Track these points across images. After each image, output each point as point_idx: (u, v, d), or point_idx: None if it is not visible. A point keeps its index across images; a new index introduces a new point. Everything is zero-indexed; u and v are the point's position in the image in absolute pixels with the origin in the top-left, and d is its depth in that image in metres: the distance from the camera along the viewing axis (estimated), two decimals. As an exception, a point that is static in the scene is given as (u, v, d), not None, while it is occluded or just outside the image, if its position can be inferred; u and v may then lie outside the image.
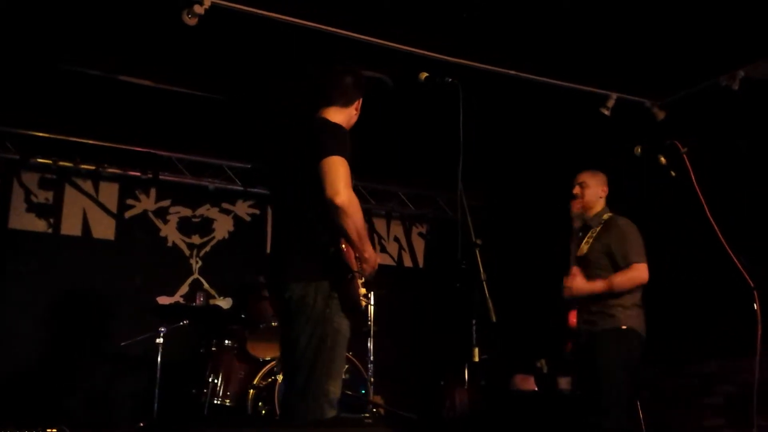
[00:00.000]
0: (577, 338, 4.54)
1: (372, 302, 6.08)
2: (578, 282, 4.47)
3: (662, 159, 3.89)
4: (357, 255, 3.33)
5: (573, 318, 4.50)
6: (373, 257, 3.39)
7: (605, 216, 4.59)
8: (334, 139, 3.32)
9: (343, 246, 3.26)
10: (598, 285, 4.44)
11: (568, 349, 4.61)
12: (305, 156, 3.30)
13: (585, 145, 6.49)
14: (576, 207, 4.69)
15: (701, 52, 5.34)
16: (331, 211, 3.20)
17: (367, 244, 3.35)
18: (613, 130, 6.07)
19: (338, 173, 3.21)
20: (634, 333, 4.40)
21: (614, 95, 5.92)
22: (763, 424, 5.63)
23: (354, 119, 3.66)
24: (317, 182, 3.22)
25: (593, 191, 4.66)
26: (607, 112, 5.94)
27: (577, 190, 4.68)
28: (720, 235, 3.58)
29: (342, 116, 3.55)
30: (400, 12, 4.79)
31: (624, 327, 4.38)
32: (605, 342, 4.37)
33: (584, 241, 4.51)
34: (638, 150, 4.00)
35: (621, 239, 4.47)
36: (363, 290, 3.45)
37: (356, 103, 3.64)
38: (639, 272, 4.41)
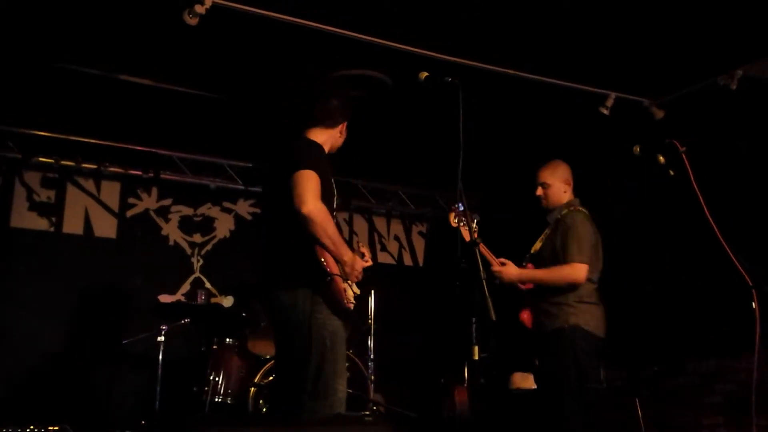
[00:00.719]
0: (531, 338, 4.52)
1: (372, 300, 6.11)
2: (508, 269, 4.38)
3: (661, 158, 3.89)
4: (345, 259, 3.57)
5: (525, 317, 4.46)
6: (352, 260, 3.58)
7: (564, 212, 4.49)
8: (307, 155, 3.58)
9: (319, 252, 3.46)
10: (526, 273, 4.41)
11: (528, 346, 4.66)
12: (284, 171, 3.53)
13: (584, 144, 6.51)
14: (542, 205, 4.62)
15: (699, 52, 5.35)
16: (300, 221, 3.41)
17: (343, 248, 3.55)
18: (612, 130, 6.09)
19: (306, 185, 3.44)
20: (581, 330, 4.25)
21: (613, 94, 5.93)
22: (762, 423, 5.66)
23: (339, 141, 3.91)
24: (291, 195, 3.46)
25: (556, 189, 4.57)
26: (606, 112, 5.95)
27: (539, 191, 4.61)
28: (719, 234, 3.59)
29: (325, 137, 3.80)
30: (400, 12, 4.80)
31: (567, 325, 4.26)
32: (551, 343, 4.30)
33: (539, 238, 4.49)
34: (637, 149, 4.00)
35: (565, 236, 4.36)
36: (351, 291, 3.63)
37: (341, 126, 3.88)
38: (574, 270, 4.28)
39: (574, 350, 4.22)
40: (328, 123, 3.82)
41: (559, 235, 4.40)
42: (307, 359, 3.42)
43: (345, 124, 3.90)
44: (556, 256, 4.38)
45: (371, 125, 3.57)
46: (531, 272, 4.44)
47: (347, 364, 4.21)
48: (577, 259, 4.29)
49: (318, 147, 3.70)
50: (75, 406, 6.07)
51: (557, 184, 4.58)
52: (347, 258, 3.57)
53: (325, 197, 3.55)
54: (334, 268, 3.51)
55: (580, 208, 4.52)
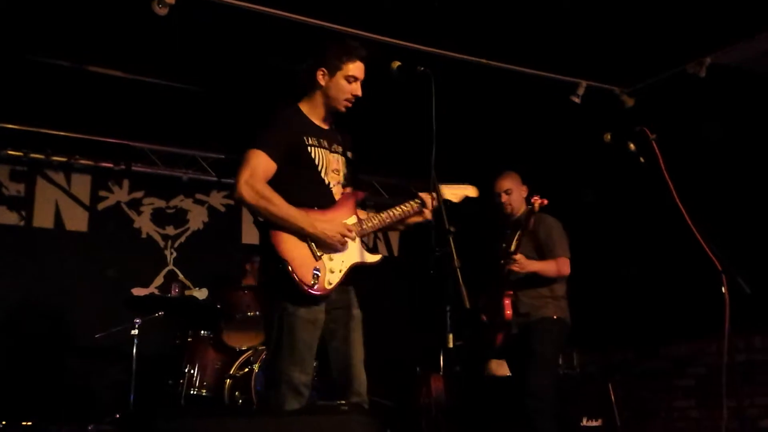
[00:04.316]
0: (508, 330, 4.73)
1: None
2: (527, 260, 4.65)
3: (631, 146, 3.94)
4: (310, 231, 3.26)
5: (509, 310, 4.68)
6: (320, 231, 3.27)
7: (526, 212, 4.73)
8: (257, 131, 3.37)
9: (272, 237, 3.23)
10: (541, 264, 4.71)
11: (498, 341, 4.78)
12: None
13: (556, 132, 6.56)
14: (507, 211, 4.93)
15: (669, 40, 5.40)
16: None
17: (301, 221, 3.25)
18: (583, 118, 6.14)
19: (240, 169, 3.27)
20: (564, 322, 4.75)
21: (584, 83, 5.98)
22: (732, 405, 5.75)
23: (338, 94, 3.48)
24: None
25: (517, 194, 4.93)
26: (577, 100, 5.99)
27: (504, 198, 4.92)
28: (689, 220, 3.64)
29: (309, 106, 3.52)
30: (371, 0, 4.80)
31: (555, 317, 4.70)
32: (540, 331, 4.66)
33: (515, 238, 4.66)
34: (608, 137, 4.05)
35: (549, 234, 4.77)
36: (329, 269, 3.31)
37: (323, 80, 3.46)
38: (565, 264, 4.75)
39: (560, 339, 4.73)
40: (308, 91, 3.52)
41: (541, 233, 4.77)
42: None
43: (325, 72, 3.46)
44: (533, 252, 4.74)
45: (343, 115, 3.54)
46: (536, 263, 4.71)
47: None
48: (566, 254, 4.77)
49: (279, 114, 3.43)
50: (49, 401, 6.01)
51: (517, 190, 4.93)
52: (311, 230, 3.26)
53: (290, 167, 3.34)
54: (294, 250, 3.23)
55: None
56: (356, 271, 3.44)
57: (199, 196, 7.48)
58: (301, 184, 3.38)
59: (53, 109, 6.25)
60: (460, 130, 6.17)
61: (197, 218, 7.46)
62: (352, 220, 3.48)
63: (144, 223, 7.20)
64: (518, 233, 4.64)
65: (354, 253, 3.43)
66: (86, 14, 4.89)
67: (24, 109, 6.26)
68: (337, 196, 3.49)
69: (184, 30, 5.00)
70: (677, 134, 4.78)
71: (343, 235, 3.35)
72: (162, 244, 7.23)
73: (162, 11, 4.56)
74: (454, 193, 3.80)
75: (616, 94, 6.19)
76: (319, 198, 3.42)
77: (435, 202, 3.46)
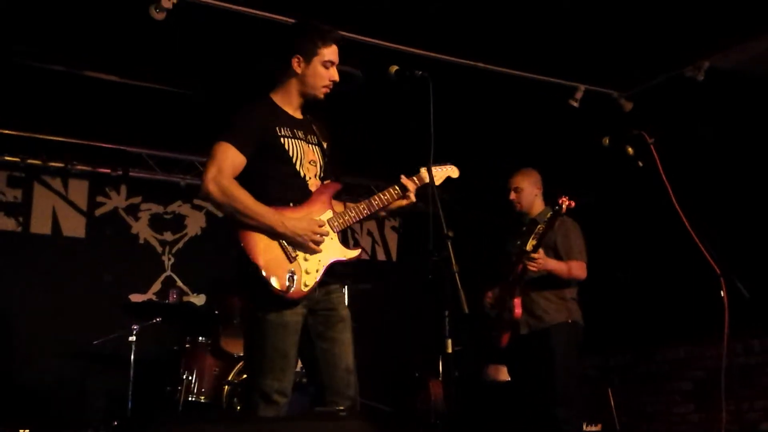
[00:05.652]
0: (515, 330, 4.67)
1: (346, 296, 6.09)
2: (545, 259, 4.56)
3: (630, 149, 3.94)
4: (280, 231, 3.08)
5: (518, 309, 4.63)
6: (290, 229, 3.09)
7: (549, 214, 4.61)
8: (225, 124, 3.25)
9: (241, 238, 3.07)
10: (556, 264, 4.64)
11: (504, 341, 4.73)
12: None
13: (554, 136, 6.55)
14: (516, 208, 4.91)
15: (667, 44, 5.40)
16: None
17: (270, 218, 3.07)
18: (581, 122, 6.13)
19: (208, 163, 3.14)
20: (580, 325, 4.71)
21: (582, 87, 5.98)
22: (731, 409, 5.74)
23: (313, 80, 3.32)
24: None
25: (528, 192, 4.88)
26: (575, 104, 5.99)
27: (512, 195, 4.90)
28: (687, 224, 3.63)
29: (282, 96, 3.38)
30: (368, 4, 4.79)
31: (570, 320, 4.65)
32: (557, 336, 4.59)
33: (531, 237, 4.57)
34: (606, 141, 4.05)
35: (566, 237, 4.73)
36: (305, 271, 3.13)
37: (296, 66, 3.30)
38: (582, 268, 4.70)
39: (577, 343, 4.66)
40: (281, 77, 3.37)
41: (559, 235, 4.70)
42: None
43: (301, 59, 3.30)
44: (550, 253, 4.66)
45: (341, 119, 3.52)
46: (553, 262, 4.64)
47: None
48: (583, 258, 4.72)
49: (248, 105, 3.31)
50: (46, 407, 6.00)
51: (529, 188, 4.89)
52: (282, 229, 3.07)
53: (261, 160, 3.19)
54: (267, 251, 3.06)
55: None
56: (351, 272, 3.39)
57: (197, 201, 7.45)
58: (274, 178, 3.22)
59: (50, 114, 6.23)
60: (459, 134, 6.16)
61: (195, 224, 7.44)
62: (327, 214, 3.29)
63: (142, 229, 7.18)
64: (537, 232, 4.54)
65: (331, 251, 3.24)
66: (83, 19, 4.87)
67: (21, 115, 6.25)
68: (313, 190, 3.31)
69: (182, 34, 4.99)
70: (675, 138, 4.78)
71: (316, 233, 3.15)
72: (160, 249, 7.21)
73: (159, 16, 4.55)
74: (435, 174, 3.51)
75: (615, 98, 6.19)
76: (295, 192, 3.24)
77: (419, 183, 3.41)
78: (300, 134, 3.34)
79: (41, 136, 6.47)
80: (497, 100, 6.15)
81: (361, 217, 3.42)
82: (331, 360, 3.24)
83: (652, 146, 3.81)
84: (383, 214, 3.57)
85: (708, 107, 5.83)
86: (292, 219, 3.12)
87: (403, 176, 3.46)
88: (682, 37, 5.29)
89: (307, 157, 3.33)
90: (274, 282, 3.04)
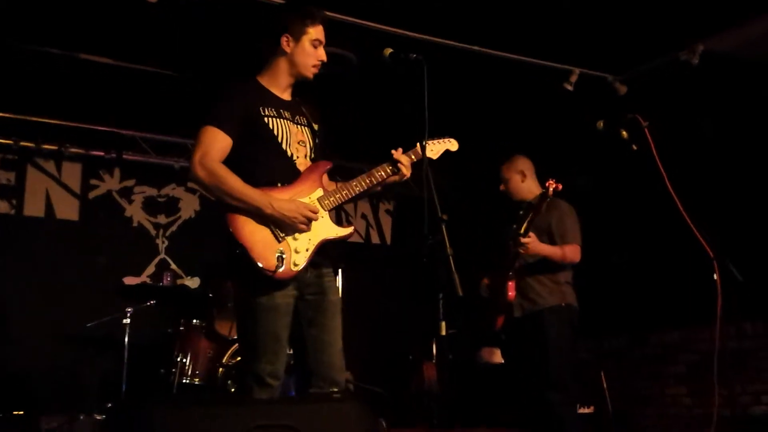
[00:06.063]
0: (509, 313, 4.66)
1: (340, 279, 6.10)
2: (535, 242, 4.54)
3: (624, 133, 3.95)
4: (268, 212, 3.07)
5: (512, 291, 4.62)
6: (278, 210, 3.07)
7: (543, 197, 4.60)
8: (208, 107, 3.22)
9: (229, 221, 3.08)
10: (550, 249, 4.63)
11: (498, 324, 4.73)
12: None
13: (549, 120, 6.54)
14: (513, 198, 4.92)
15: (662, 26, 5.39)
16: None
17: (259, 200, 3.06)
18: (575, 105, 6.13)
19: (195, 147, 3.13)
20: (574, 308, 4.68)
21: (577, 70, 5.97)
22: (723, 393, 5.78)
23: (302, 59, 3.31)
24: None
25: (515, 180, 4.89)
26: (570, 87, 5.98)
27: (502, 187, 4.95)
28: (681, 207, 3.64)
29: (269, 76, 3.36)
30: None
31: (564, 304, 4.63)
32: (551, 319, 4.58)
33: (526, 220, 4.57)
34: (601, 124, 4.06)
35: (561, 220, 4.70)
36: (295, 252, 3.11)
37: (284, 48, 3.29)
38: (576, 251, 4.67)
39: (572, 326, 4.63)
40: (269, 57, 3.35)
41: (554, 217, 4.68)
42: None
43: (290, 38, 3.29)
44: (544, 236, 4.65)
45: (336, 103, 3.51)
46: (552, 248, 4.64)
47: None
48: (577, 241, 4.68)
49: (232, 86, 3.28)
50: (39, 390, 6.00)
51: (514, 176, 4.90)
52: (269, 211, 3.05)
53: (247, 141, 3.17)
54: (255, 233, 3.06)
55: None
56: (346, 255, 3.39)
57: (190, 184, 7.43)
58: (261, 160, 3.20)
59: (43, 97, 6.20)
60: (453, 118, 6.15)
61: (189, 207, 7.43)
62: (317, 193, 3.27)
63: (135, 212, 7.17)
64: (530, 216, 4.54)
65: (321, 229, 3.21)
66: (77, 1, 4.84)
67: (14, 97, 6.21)
68: (302, 170, 3.28)
69: (177, 17, 4.96)
70: (670, 121, 4.78)
71: (304, 215, 3.13)
72: (154, 232, 7.20)
73: (153, -1, 4.53)
74: (432, 149, 3.54)
75: (609, 81, 6.18)
76: (282, 172, 3.22)
77: (413, 158, 3.37)
78: (286, 114, 3.31)
79: (35, 119, 6.43)
80: (492, 83, 6.14)
81: (353, 194, 3.37)
82: (320, 346, 3.23)
83: (646, 130, 3.81)
84: (378, 188, 3.50)
85: (703, 91, 5.83)
86: (279, 200, 3.10)
87: (399, 150, 3.39)
88: (676, 20, 5.28)
89: (295, 138, 3.30)
90: (263, 263, 3.02)
